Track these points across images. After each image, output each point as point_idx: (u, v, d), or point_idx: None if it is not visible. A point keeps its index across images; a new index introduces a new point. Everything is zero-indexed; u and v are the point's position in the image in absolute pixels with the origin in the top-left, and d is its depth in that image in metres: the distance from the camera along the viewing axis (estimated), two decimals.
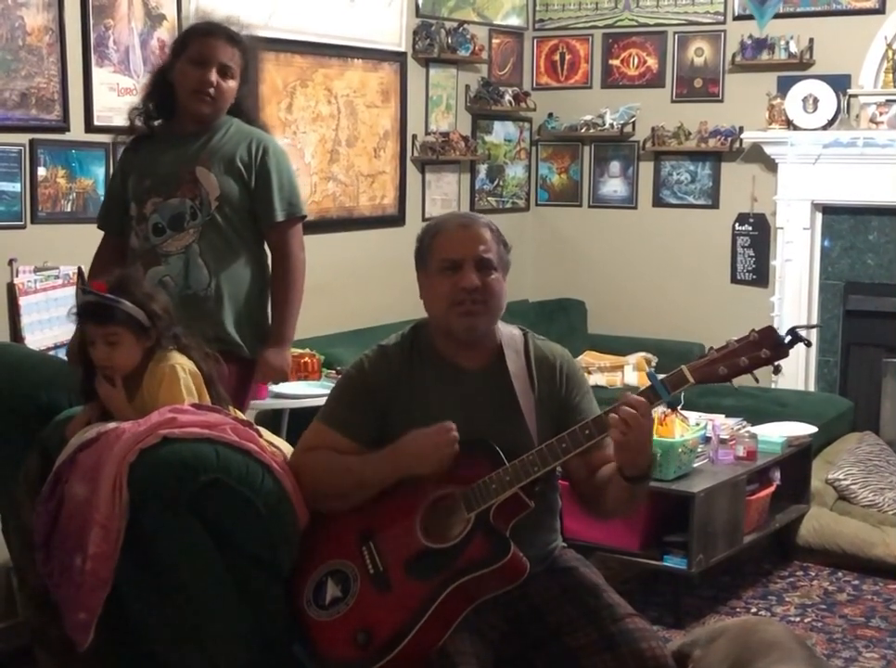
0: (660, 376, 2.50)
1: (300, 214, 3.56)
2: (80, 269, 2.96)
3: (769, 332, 2.46)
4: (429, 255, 2.68)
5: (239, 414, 2.93)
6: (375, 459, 2.61)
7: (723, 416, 4.89)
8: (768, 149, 6.01)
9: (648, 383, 2.51)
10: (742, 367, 2.45)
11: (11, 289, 4.02)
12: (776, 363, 2.45)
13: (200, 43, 3.41)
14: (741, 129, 6.11)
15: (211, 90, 3.38)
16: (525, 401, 2.64)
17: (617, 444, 2.47)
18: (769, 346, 2.44)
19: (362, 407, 2.67)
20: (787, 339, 2.43)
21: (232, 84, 3.43)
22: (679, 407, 4.49)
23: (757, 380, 2.51)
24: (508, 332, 2.74)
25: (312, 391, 4.46)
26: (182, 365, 2.84)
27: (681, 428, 4.42)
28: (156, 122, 3.50)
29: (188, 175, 3.39)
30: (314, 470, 2.66)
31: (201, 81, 3.37)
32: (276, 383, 3.66)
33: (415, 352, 2.70)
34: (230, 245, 3.44)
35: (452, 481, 2.58)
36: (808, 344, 2.48)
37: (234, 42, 3.43)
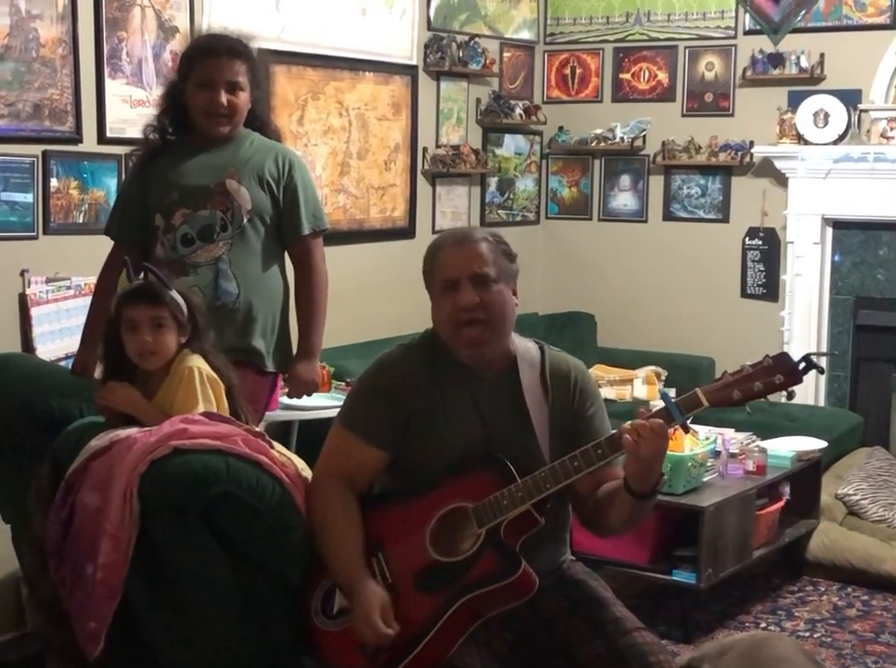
0: (674, 397, 2.51)
1: (323, 227, 3.59)
2: (126, 260, 3.04)
3: (783, 358, 2.47)
4: (432, 278, 2.69)
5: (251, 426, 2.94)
6: (344, 563, 2.58)
7: (732, 430, 4.88)
8: (778, 164, 6.01)
9: (658, 398, 2.51)
10: (756, 392, 2.45)
11: (23, 299, 4.04)
12: (790, 389, 2.46)
13: (204, 65, 3.40)
14: (752, 143, 6.12)
15: (224, 110, 3.39)
16: (537, 414, 2.63)
17: (629, 451, 2.47)
18: (783, 372, 2.44)
19: (383, 410, 2.66)
20: (802, 365, 2.44)
21: (243, 97, 3.43)
22: (688, 422, 4.48)
23: (770, 404, 2.52)
24: (524, 345, 2.73)
25: (322, 403, 4.46)
26: (201, 368, 2.88)
27: (691, 442, 4.42)
28: (171, 137, 3.51)
29: (218, 187, 3.40)
30: (317, 509, 2.66)
31: (212, 103, 3.38)
32: (309, 396, 3.68)
33: (436, 354, 2.69)
34: (259, 257, 3.46)
35: (463, 495, 2.58)
36: (821, 371, 2.50)
37: (236, 54, 3.42)
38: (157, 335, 2.87)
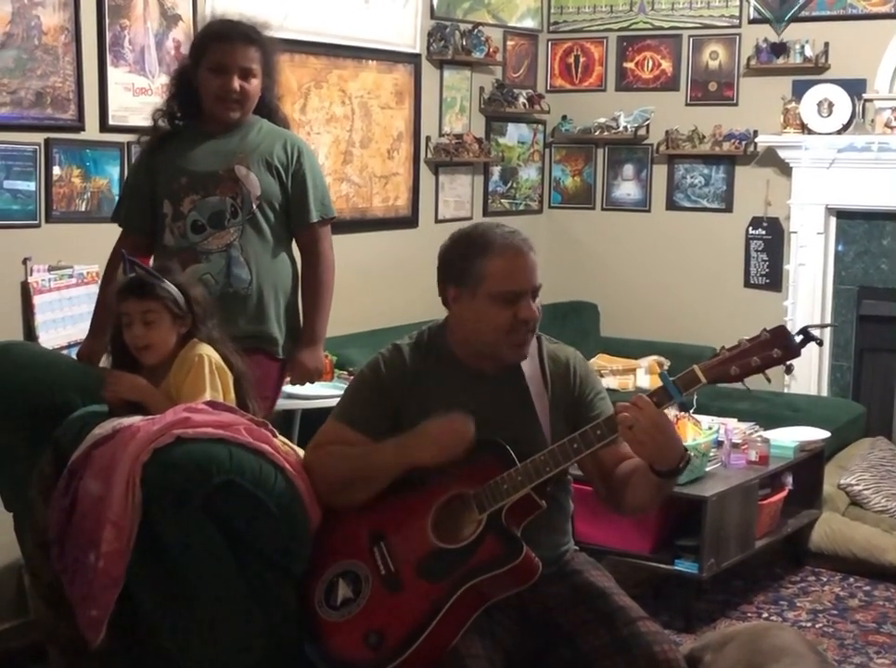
0: (672, 376, 2.50)
1: (331, 215, 3.59)
2: (124, 253, 3.04)
3: (781, 331, 2.44)
4: (477, 278, 2.59)
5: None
6: (389, 445, 2.59)
7: (735, 420, 4.88)
8: (782, 153, 6.00)
9: (661, 386, 2.50)
10: (754, 367, 2.43)
11: (25, 287, 4.03)
12: (788, 362, 2.44)
13: (218, 50, 3.40)
14: (755, 133, 6.10)
15: (235, 95, 3.39)
16: (539, 403, 2.64)
17: (629, 443, 2.46)
18: (781, 345, 2.42)
19: (376, 405, 2.67)
20: (799, 338, 2.42)
21: (255, 83, 3.43)
22: (691, 410, 4.48)
23: (769, 381, 2.50)
24: None
25: (324, 392, 4.45)
26: (210, 356, 2.89)
27: (693, 431, 4.42)
28: (179, 122, 3.50)
29: (227, 174, 3.40)
30: (327, 463, 2.66)
31: (224, 88, 3.38)
32: (312, 383, 3.68)
33: (429, 353, 2.70)
34: (269, 244, 3.46)
35: (463, 481, 2.58)
36: (819, 343, 2.46)
37: (251, 41, 3.42)
38: (147, 329, 2.89)
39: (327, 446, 2.69)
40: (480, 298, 2.60)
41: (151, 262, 3.39)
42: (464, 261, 2.62)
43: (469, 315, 2.64)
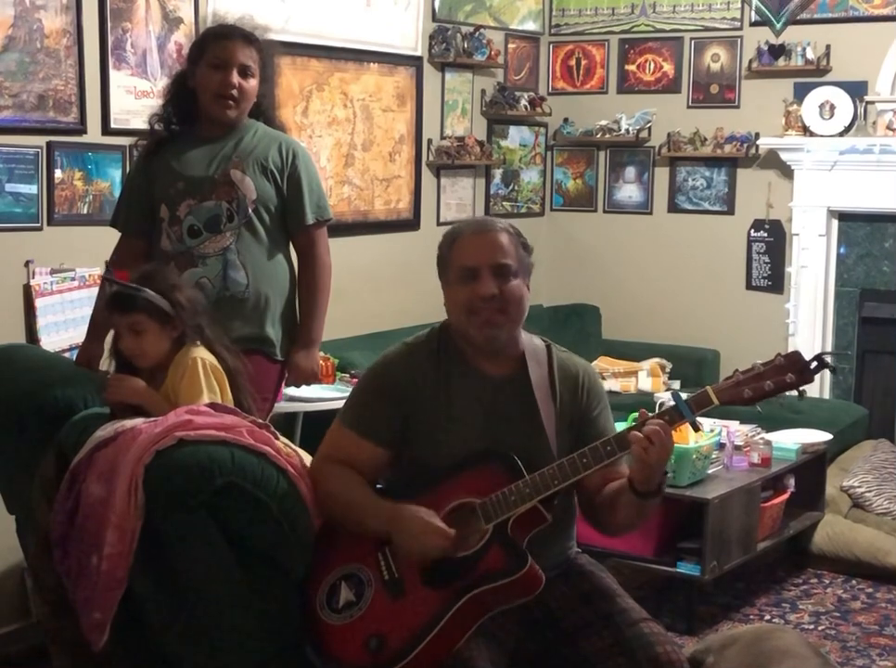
0: (684, 395, 2.50)
1: (327, 217, 3.60)
2: (107, 265, 3.06)
3: (795, 357, 2.47)
4: (449, 264, 2.66)
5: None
6: (383, 513, 2.57)
7: (737, 422, 4.88)
8: (784, 156, 6.00)
9: (663, 391, 2.51)
10: (767, 391, 2.46)
11: (27, 290, 4.03)
12: (801, 388, 2.46)
13: (218, 46, 3.42)
14: (757, 135, 6.10)
15: (234, 92, 3.39)
16: (546, 411, 2.63)
17: (637, 460, 2.46)
18: (794, 371, 2.44)
19: (384, 408, 2.65)
20: (814, 364, 2.44)
21: (253, 83, 3.45)
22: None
23: (781, 405, 2.53)
24: (531, 342, 2.72)
25: (326, 395, 4.46)
26: (204, 359, 2.91)
27: (695, 434, 4.41)
28: (175, 127, 3.51)
29: (223, 178, 3.41)
30: (326, 487, 2.65)
31: (223, 83, 3.39)
32: (308, 385, 3.69)
33: (441, 352, 2.69)
34: (266, 247, 3.47)
35: (471, 490, 2.57)
36: (833, 371, 2.50)
37: (250, 41, 3.45)
38: (137, 338, 2.93)
39: (335, 466, 2.66)
40: (452, 282, 2.65)
41: None
42: (441, 252, 2.70)
43: (448, 305, 2.68)
